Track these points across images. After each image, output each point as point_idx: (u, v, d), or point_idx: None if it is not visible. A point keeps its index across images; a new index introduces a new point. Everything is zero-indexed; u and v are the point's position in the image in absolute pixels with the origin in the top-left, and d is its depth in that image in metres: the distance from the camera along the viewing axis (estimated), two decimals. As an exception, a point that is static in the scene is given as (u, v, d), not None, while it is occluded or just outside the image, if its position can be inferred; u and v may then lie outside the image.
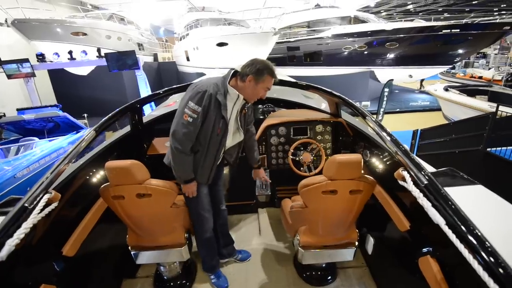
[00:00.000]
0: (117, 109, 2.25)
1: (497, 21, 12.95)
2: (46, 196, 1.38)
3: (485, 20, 13.19)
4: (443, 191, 1.21)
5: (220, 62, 13.28)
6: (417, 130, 7.41)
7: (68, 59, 9.83)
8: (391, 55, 15.72)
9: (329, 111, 2.85)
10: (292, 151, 2.63)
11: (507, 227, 1.26)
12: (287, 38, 17.16)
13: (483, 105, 8.44)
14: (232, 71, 1.72)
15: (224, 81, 1.70)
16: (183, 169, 1.75)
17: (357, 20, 16.20)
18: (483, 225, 1.04)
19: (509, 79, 15.77)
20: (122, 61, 9.68)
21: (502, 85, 13.93)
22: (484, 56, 25.42)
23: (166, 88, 2.58)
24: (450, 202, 1.13)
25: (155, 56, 20.23)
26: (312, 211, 1.82)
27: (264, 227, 2.84)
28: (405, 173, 1.42)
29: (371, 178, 1.73)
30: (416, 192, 1.28)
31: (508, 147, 5.76)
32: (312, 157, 2.61)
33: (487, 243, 0.96)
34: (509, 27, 12.82)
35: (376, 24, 15.77)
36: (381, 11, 29.60)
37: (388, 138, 1.69)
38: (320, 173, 2.66)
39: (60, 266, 1.52)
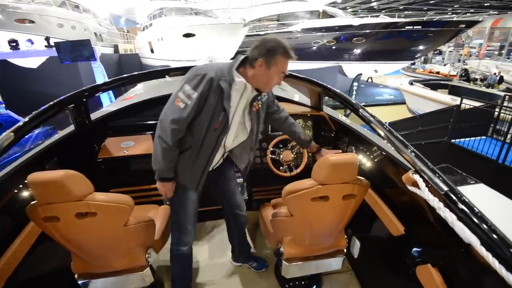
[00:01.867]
0: (51, 103, 1.77)
1: (454, 19, 13.78)
2: None
3: (443, 18, 13.99)
4: (468, 200, 0.99)
5: (187, 54, 12.65)
6: (386, 123, 7.59)
7: (11, 49, 8.64)
8: (358, 50, 16.12)
9: (307, 104, 2.60)
10: (271, 149, 2.34)
11: None
12: (256, 31, 16.86)
13: (445, 98, 8.87)
14: (242, 57, 1.40)
15: (230, 67, 1.38)
16: (162, 163, 1.42)
17: (326, 15, 16.36)
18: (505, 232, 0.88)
19: (463, 74, 17.00)
20: (76, 52, 8.71)
21: (457, 80, 14.95)
22: (440, 53, 27.22)
23: (118, 77, 2.15)
24: (480, 215, 0.92)
25: (116, 48, 18.81)
26: (298, 221, 1.55)
27: None
28: (416, 177, 1.19)
29: (365, 180, 1.50)
30: (434, 201, 1.05)
31: (471, 138, 6.06)
32: (293, 155, 2.35)
33: None
34: (464, 26, 13.71)
35: (344, 19, 16.05)
36: (347, 8, 30.39)
37: (391, 136, 1.43)
38: (302, 172, 2.46)
39: None
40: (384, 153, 1.76)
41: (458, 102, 6.42)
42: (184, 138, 1.41)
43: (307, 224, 1.54)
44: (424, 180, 1.15)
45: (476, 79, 16.33)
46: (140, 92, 3.40)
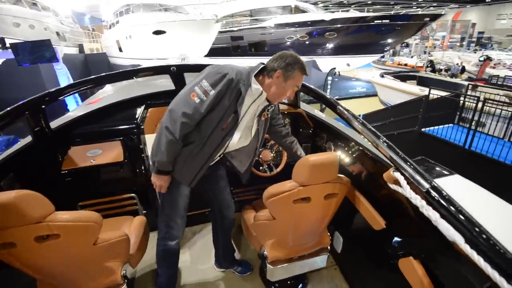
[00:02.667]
0: (2, 112, 1.58)
1: (419, 12, 14.40)
2: None
3: (409, 12, 14.59)
4: (450, 197, 0.98)
5: (158, 52, 12.19)
6: (360, 115, 7.81)
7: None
8: (330, 45, 16.41)
9: (284, 102, 2.56)
10: None
11: (505, 224, 1.12)
12: (229, 27, 16.63)
13: (414, 89, 9.24)
14: (262, 65, 1.43)
15: (249, 73, 1.40)
16: (165, 156, 1.39)
17: (298, 10, 16.47)
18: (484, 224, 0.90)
19: (429, 65, 17.88)
20: (36, 53, 8.09)
21: (424, 71, 15.70)
22: (407, 45, 28.43)
23: (83, 79, 1.97)
24: (463, 212, 0.91)
25: (81, 47, 17.75)
26: (281, 223, 1.50)
27: None
28: (397, 175, 1.18)
29: (346, 177, 1.48)
30: (416, 200, 1.04)
31: (439, 126, 6.36)
32: (272, 155, 2.30)
33: None
34: (429, 19, 14.38)
35: (316, 14, 16.24)
36: (318, 2, 30.86)
37: (372, 135, 1.40)
38: (282, 171, 2.40)
39: None
40: (362, 149, 1.75)
41: (426, 93, 6.71)
42: (190, 132, 1.40)
43: (290, 226, 1.50)
44: (405, 178, 1.14)
45: (441, 70, 17.24)
46: (108, 94, 3.18)
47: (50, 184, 1.92)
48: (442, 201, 0.98)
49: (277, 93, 1.43)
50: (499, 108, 5.35)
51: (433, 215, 0.94)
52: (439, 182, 1.36)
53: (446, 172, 1.54)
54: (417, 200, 1.03)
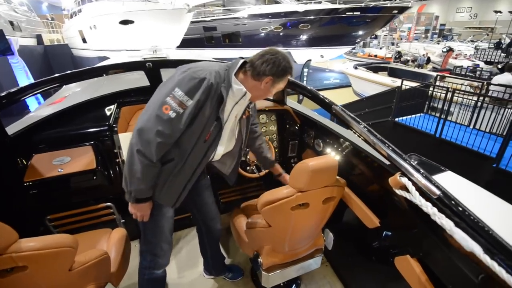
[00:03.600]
0: None
1: (388, 5, 14.84)
2: None
3: (379, 4, 14.98)
4: (462, 204, 0.95)
5: (126, 43, 11.46)
6: (337, 106, 7.92)
7: None
8: (304, 36, 16.45)
9: (269, 98, 2.46)
10: None
11: (505, 222, 1.12)
12: (202, 17, 16.07)
13: (386, 80, 9.55)
14: (241, 61, 1.25)
15: (228, 72, 1.23)
16: (140, 182, 1.18)
17: (271, 1, 16.26)
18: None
19: (397, 56, 18.61)
20: (-13, 45, 7.27)
21: (393, 62, 16.32)
22: (376, 37, 29.35)
23: (46, 78, 1.74)
24: (477, 220, 0.88)
25: (39, 38, 16.29)
26: (277, 231, 1.43)
27: None
28: (405, 181, 1.13)
29: (342, 179, 1.43)
30: (427, 207, 0.99)
31: (411, 116, 6.64)
32: None
33: None
34: (397, 11, 14.85)
35: (289, 5, 16.13)
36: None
37: (372, 137, 1.33)
38: (271, 172, 2.37)
39: None
40: (352, 146, 1.72)
41: (397, 83, 6.95)
42: (168, 150, 1.20)
43: (287, 233, 1.43)
44: (414, 184, 1.10)
45: (408, 60, 18.03)
46: (73, 91, 2.88)
47: (11, 198, 1.69)
48: (455, 209, 0.95)
49: (261, 95, 1.32)
50: (465, 98, 5.67)
51: (447, 224, 0.90)
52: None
53: (438, 169, 1.54)
54: (428, 208, 0.99)
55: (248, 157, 2.16)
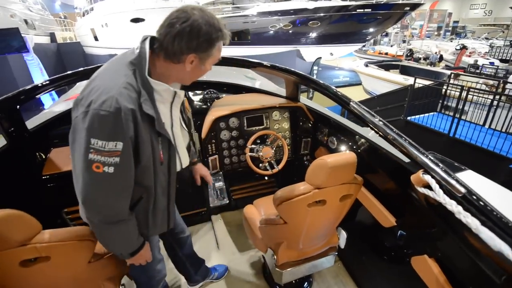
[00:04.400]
0: None
1: (400, 2, 14.54)
2: None
3: (391, 1, 14.68)
4: (487, 203, 0.93)
5: (136, 41, 11.55)
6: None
7: None
8: (314, 34, 16.28)
9: (282, 95, 2.45)
10: (249, 147, 2.15)
11: None
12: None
13: (398, 78, 9.39)
14: (147, 47, 0.92)
15: (139, 73, 0.90)
16: (124, 243, 1.06)
17: (281, -2, 16.16)
18: None
19: (408, 54, 18.27)
20: (3, 42, 7.47)
21: (404, 60, 16.03)
22: (387, 35, 28.87)
23: (62, 74, 1.76)
24: (504, 219, 0.86)
25: (53, 36, 16.61)
26: (293, 227, 1.42)
27: (222, 237, 2.38)
28: (428, 178, 1.11)
29: (360, 177, 1.41)
30: (452, 205, 0.97)
31: (424, 115, 6.51)
32: (273, 151, 2.20)
33: None
34: (409, 8, 14.53)
35: (299, 2, 15.99)
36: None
37: (393, 133, 1.30)
38: (284, 169, 2.30)
39: None
40: (369, 143, 1.69)
41: (409, 81, 6.83)
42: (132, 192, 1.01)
43: (302, 230, 1.42)
44: (437, 181, 1.07)
45: (420, 58, 17.69)
46: None
47: (30, 192, 1.73)
48: (481, 207, 0.92)
49: (194, 76, 1.03)
50: (480, 96, 5.52)
51: (473, 222, 0.88)
52: None
53: (458, 168, 1.51)
54: (453, 206, 0.96)
55: (261, 154, 2.15)
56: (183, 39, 0.87)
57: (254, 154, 2.16)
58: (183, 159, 1.21)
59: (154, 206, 1.10)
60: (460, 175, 1.41)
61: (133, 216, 1.04)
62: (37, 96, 1.75)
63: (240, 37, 16.56)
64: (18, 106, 1.67)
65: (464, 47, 16.47)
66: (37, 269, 1.01)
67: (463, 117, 5.52)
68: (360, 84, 12.47)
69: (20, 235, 0.93)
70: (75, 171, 0.89)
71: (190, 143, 1.36)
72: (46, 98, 6.42)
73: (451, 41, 21.72)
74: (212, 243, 2.35)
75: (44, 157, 1.89)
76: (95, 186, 0.87)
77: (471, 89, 5.47)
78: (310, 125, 2.31)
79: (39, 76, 8.27)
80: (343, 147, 1.96)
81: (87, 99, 0.84)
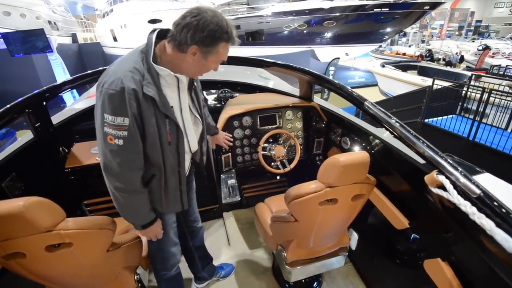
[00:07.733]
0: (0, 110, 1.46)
1: (419, 1, 14.15)
2: None
3: (409, 0, 14.33)
4: (503, 204, 0.91)
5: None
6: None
7: None
8: (329, 34, 16.11)
9: (295, 94, 2.46)
10: (262, 145, 2.18)
11: None
12: (226, 16, 16.23)
13: (416, 79, 9.15)
14: (154, 37, 1.05)
15: (146, 60, 1.04)
16: (136, 213, 1.19)
17: (296, -2, 16.09)
18: None
19: (427, 54, 17.73)
20: (29, 43, 7.83)
21: (421, 60, 15.57)
22: (405, 34, 28.16)
23: (84, 73, 1.85)
24: None
25: (74, 37, 17.27)
26: (304, 225, 1.43)
27: (233, 234, 2.42)
28: (442, 179, 1.10)
29: (372, 177, 1.41)
30: (466, 206, 0.96)
31: (442, 117, 6.32)
32: (285, 150, 2.22)
33: None
34: (428, 7, 14.11)
35: (314, 2, 15.87)
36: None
37: (409, 134, 1.29)
38: (296, 169, 2.32)
39: None
40: (383, 143, 1.68)
41: (428, 83, 6.63)
42: (145, 168, 1.15)
43: (313, 228, 1.43)
44: (451, 182, 1.06)
45: (439, 59, 17.12)
46: None
47: (54, 183, 1.83)
48: (496, 209, 0.91)
49: (197, 71, 1.11)
50: (503, 99, 5.30)
51: (487, 224, 0.87)
52: None
53: (475, 170, 1.47)
54: (467, 207, 0.95)
55: (273, 153, 2.18)
56: (190, 30, 0.96)
57: (266, 152, 2.19)
58: (192, 144, 1.30)
59: (166, 184, 1.21)
60: (477, 178, 1.39)
61: (146, 191, 1.17)
62: (60, 94, 1.85)
63: (255, 38, 16.62)
64: (44, 103, 1.77)
65: (487, 48, 15.81)
66: (60, 254, 1.08)
67: (484, 120, 5.32)
68: (376, 85, 12.22)
69: (47, 222, 0.99)
70: (99, 144, 1.06)
71: (203, 130, 1.40)
72: (67, 96, 6.69)
73: (473, 41, 20.91)
74: (223, 239, 2.39)
75: (66, 151, 1.99)
76: (110, 156, 1.03)
77: (492, 91, 5.26)
78: (323, 125, 2.31)
79: (62, 75, 8.63)
80: (356, 148, 1.95)
81: (102, 81, 1.01)
